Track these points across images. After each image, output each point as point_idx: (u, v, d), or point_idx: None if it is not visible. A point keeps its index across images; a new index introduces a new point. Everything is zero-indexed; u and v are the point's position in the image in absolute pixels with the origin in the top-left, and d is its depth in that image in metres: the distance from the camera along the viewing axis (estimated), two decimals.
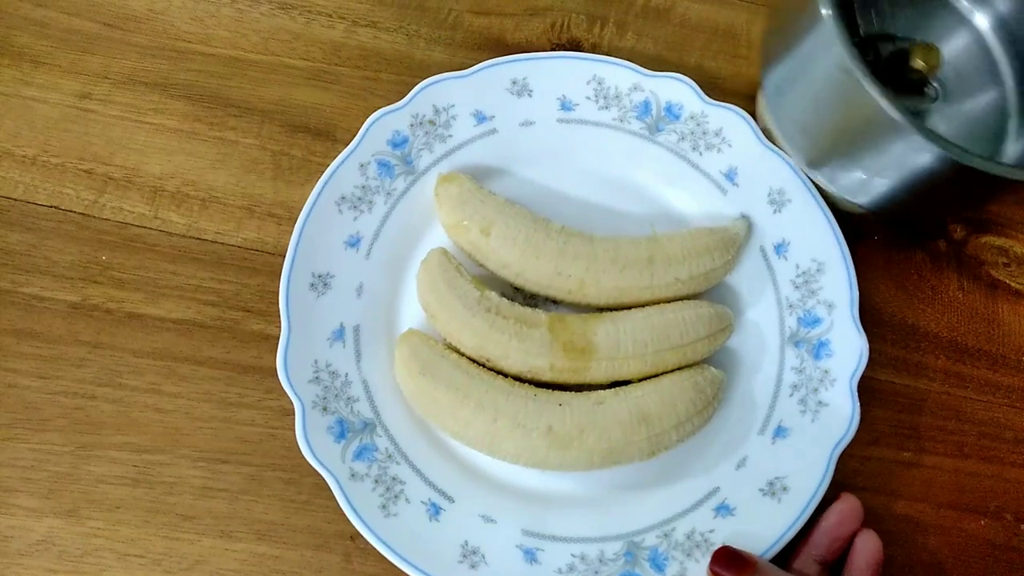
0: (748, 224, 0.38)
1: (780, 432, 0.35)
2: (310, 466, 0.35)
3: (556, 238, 0.36)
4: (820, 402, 0.35)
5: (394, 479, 0.34)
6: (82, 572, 0.34)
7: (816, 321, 0.37)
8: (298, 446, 0.33)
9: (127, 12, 0.42)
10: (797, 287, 0.37)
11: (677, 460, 0.36)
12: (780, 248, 0.38)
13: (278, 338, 0.37)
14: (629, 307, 0.36)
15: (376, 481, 0.34)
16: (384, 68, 0.42)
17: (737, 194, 0.39)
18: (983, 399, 0.39)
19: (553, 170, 0.40)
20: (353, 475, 0.33)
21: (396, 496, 0.34)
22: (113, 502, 0.35)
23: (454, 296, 0.35)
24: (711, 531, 0.34)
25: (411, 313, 0.37)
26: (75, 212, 0.38)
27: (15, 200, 0.38)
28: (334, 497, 0.34)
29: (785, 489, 0.34)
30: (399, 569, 0.32)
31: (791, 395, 0.36)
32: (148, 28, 0.42)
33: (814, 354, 0.36)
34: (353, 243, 0.37)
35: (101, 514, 0.34)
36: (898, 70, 0.37)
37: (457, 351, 0.35)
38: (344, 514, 0.33)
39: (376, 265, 0.37)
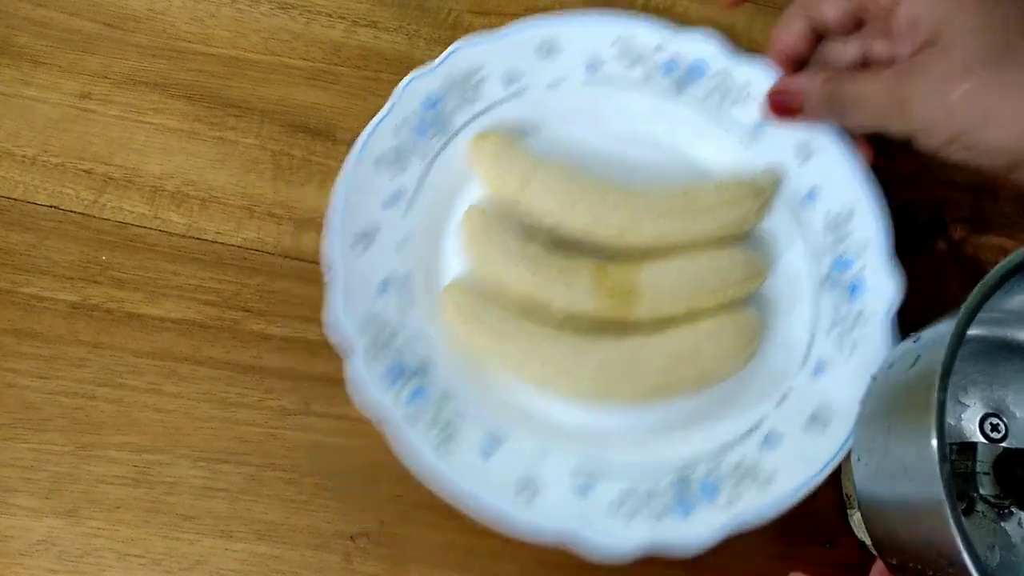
0: (777, 174, 0.39)
1: (819, 369, 0.36)
2: (310, 466, 0.35)
3: (593, 190, 0.37)
4: (857, 339, 0.36)
5: (448, 421, 0.34)
6: (82, 572, 0.34)
7: (848, 264, 0.38)
8: (296, 446, 0.33)
9: (127, 12, 0.42)
10: (828, 232, 0.38)
11: (722, 397, 0.37)
12: (810, 195, 0.39)
13: (278, 338, 0.37)
14: (667, 254, 0.38)
15: (430, 424, 0.34)
16: (384, 68, 0.42)
17: (765, 146, 0.40)
18: None
19: (582, 129, 0.41)
20: (407, 419, 0.34)
21: (450, 437, 0.34)
22: (113, 502, 0.35)
23: (497, 248, 0.36)
24: (758, 461, 0.35)
25: (455, 266, 0.38)
26: (75, 212, 0.38)
27: (15, 200, 0.38)
28: (335, 497, 0.35)
29: (828, 420, 0.35)
30: (399, 569, 0.32)
31: (828, 334, 0.37)
32: (148, 28, 0.42)
33: (848, 295, 0.37)
34: (392, 202, 0.38)
35: (101, 514, 0.34)
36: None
37: (502, 301, 0.36)
38: (344, 514, 0.33)
39: (416, 222, 0.38)
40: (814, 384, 0.36)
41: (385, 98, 0.41)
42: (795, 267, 0.38)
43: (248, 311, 0.38)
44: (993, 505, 0.34)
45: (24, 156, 0.39)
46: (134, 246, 0.38)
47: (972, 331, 0.30)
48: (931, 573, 0.28)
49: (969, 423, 0.36)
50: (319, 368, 0.37)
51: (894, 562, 0.31)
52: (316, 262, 0.39)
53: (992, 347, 0.36)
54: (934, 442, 0.27)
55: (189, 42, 0.42)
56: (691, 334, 0.36)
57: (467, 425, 0.34)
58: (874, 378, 0.35)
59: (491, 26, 0.44)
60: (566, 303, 0.36)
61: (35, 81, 0.40)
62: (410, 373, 0.35)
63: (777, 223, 0.39)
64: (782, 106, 0.38)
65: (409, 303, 0.36)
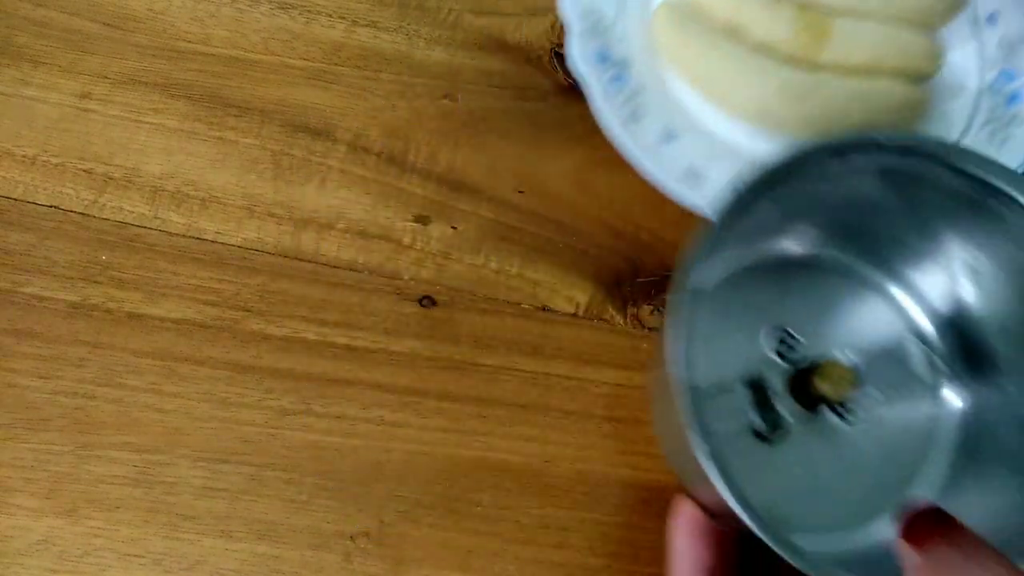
0: None
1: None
2: (310, 465, 0.35)
3: None
4: (1007, 135, 0.42)
5: (639, 104, 0.40)
6: (82, 572, 0.34)
7: (1012, 77, 0.43)
8: (296, 446, 0.33)
9: (127, 12, 0.42)
10: (1000, 48, 0.44)
11: None
12: (990, 18, 0.44)
13: (277, 338, 0.37)
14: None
15: (621, 105, 0.39)
16: (384, 68, 0.42)
17: None
18: None
19: None
20: (604, 95, 0.39)
21: (638, 117, 0.39)
22: (113, 502, 0.35)
23: None
24: None
25: None
26: (75, 212, 0.38)
27: (15, 200, 0.38)
28: (335, 497, 0.35)
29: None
30: (399, 569, 0.33)
31: (982, 128, 0.42)
32: (148, 28, 0.42)
33: (1007, 101, 0.43)
34: None
35: (101, 514, 0.34)
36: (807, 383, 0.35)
37: (706, 24, 0.41)
38: (344, 514, 0.34)
39: None
40: None
41: (385, 98, 0.41)
42: (965, 66, 0.44)
43: (248, 311, 0.38)
44: (806, 422, 0.36)
45: (24, 156, 0.39)
46: (134, 246, 0.38)
47: (738, 253, 0.36)
48: (731, 522, 0.28)
49: (765, 348, 0.37)
50: (319, 368, 0.37)
51: (705, 511, 0.31)
52: (316, 262, 0.39)
53: (768, 265, 0.38)
54: (676, 386, 0.28)
55: (189, 42, 0.42)
56: (868, 84, 0.40)
57: (650, 116, 0.40)
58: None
59: (491, 26, 0.44)
60: (764, 30, 0.40)
61: (35, 81, 0.40)
62: (613, 62, 0.40)
63: (957, 30, 0.44)
64: None
65: (623, 9, 0.42)
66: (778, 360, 0.36)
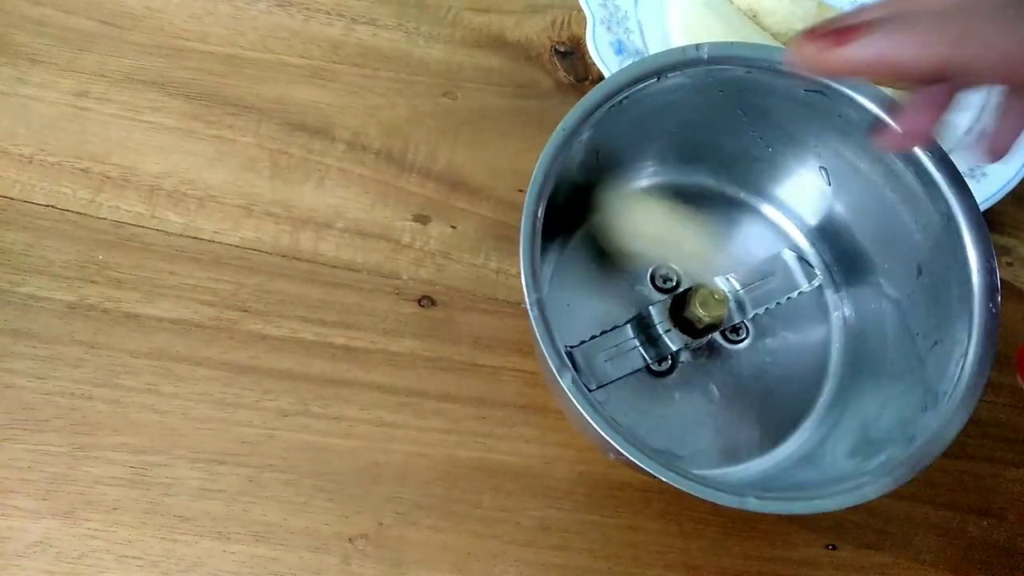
0: None
1: (981, 136, 0.42)
2: (308, 467, 0.35)
3: None
4: None
5: None
6: (79, 574, 0.33)
7: None
8: (294, 447, 0.33)
9: (124, 10, 0.42)
10: None
11: None
12: None
13: (275, 338, 0.37)
14: None
15: None
16: (383, 66, 0.42)
17: None
18: (986, 399, 0.39)
19: None
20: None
21: None
22: (110, 503, 0.34)
23: None
24: None
25: None
26: (72, 211, 0.38)
27: (12, 199, 0.38)
28: (333, 498, 0.34)
29: (984, 175, 0.42)
30: (398, 571, 0.32)
31: (994, 111, 0.44)
32: (145, 26, 0.42)
33: None
34: None
35: (98, 515, 0.34)
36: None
37: (728, 7, 0.43)
38: (343, 516, 0.34)
39: None
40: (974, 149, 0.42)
41: (384, 96, 0.40)
42: None
43: (246, 311, 0.37)
44: (696, 351, 0.36)
45: (21, 155, 0.39)
46: (131, 245, 0.38)
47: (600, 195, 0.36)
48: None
49: (647, 284, 0.38)
50: (317, 369, 0.37)
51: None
52: (314, 261, 0.38)
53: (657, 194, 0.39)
54: (534, 332, 0.28)
55: (187, 40, 0.42)
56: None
57: None
58: None
59: (491, 24, 0.44)
60: (784, 18, 0.42)
61: (32, 79, 0.40)
62: (629, 53, 0.42)
63: None
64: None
65: (635, 3, 0.44)
66: (658, 294, 0.37)
